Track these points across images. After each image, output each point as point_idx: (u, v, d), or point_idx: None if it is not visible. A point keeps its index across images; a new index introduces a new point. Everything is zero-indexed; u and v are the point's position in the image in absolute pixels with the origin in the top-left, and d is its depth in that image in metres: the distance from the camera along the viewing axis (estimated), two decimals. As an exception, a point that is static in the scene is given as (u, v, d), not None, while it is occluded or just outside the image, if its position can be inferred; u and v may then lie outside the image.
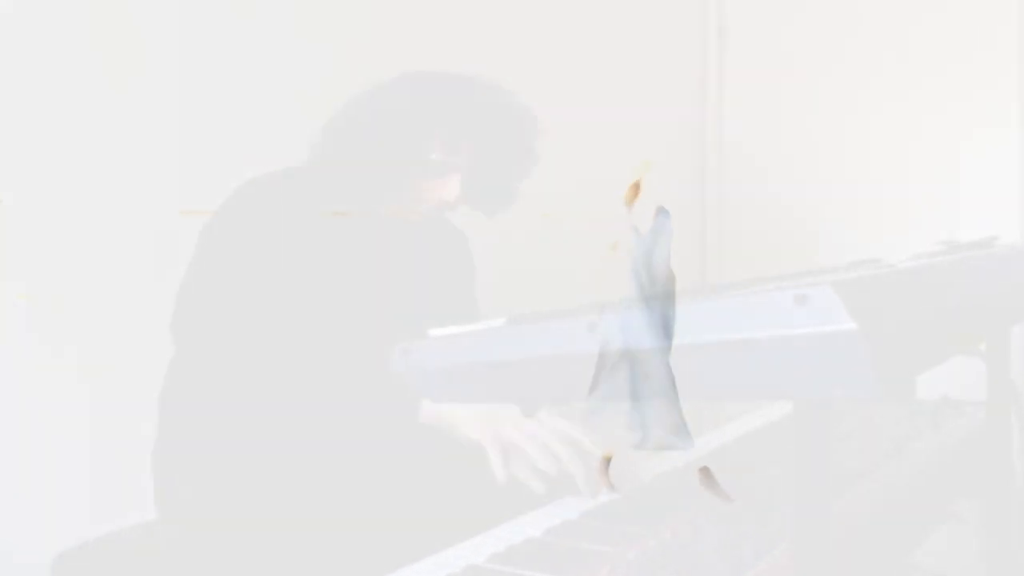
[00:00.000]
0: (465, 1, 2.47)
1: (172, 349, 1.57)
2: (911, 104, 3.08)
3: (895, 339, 0.75)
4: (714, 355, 0.76)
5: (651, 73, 3.14)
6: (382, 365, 1.20)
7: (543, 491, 1.30)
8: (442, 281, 1.70)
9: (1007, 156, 2.95)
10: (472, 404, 1.34)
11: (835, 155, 3.22)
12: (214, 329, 1.52)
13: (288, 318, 1.45)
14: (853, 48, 3.19)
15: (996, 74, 2.96)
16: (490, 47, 2.35)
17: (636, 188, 0.72)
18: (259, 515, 1.46)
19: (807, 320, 0.71)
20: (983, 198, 2.92)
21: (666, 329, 0.72)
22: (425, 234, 1.67)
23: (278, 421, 1.46)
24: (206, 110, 1.93)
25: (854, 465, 1.37)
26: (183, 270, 1.54)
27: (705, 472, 0.76)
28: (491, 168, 1.58)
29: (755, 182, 3.37)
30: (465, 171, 1.56)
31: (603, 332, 0.84)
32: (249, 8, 2.03)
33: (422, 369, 1.08)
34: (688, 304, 0.77)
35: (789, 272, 1.25)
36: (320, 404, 1.43)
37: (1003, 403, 1.52)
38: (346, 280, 1.53)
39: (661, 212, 0.71)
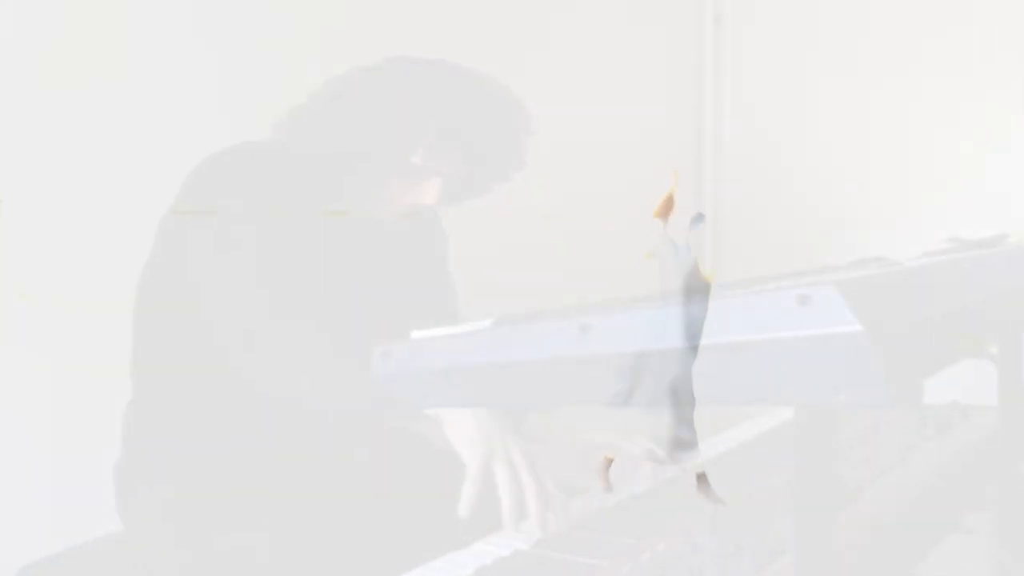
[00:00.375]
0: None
1: (131, 351, 1.56)
2: (918, 95, 3.09)
3: (902, 341, 0.75)
4: (712, 358, 0.76)
5: (644, 65, 3.14)
6: (358, 366, 1.20)
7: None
8: (415, 267, 1.68)
9: (1017, 149, 2.96)
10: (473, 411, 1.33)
11: (838, 148, 3.22)
12: (175, 330, 1.50)
13: (255, 316, 1.43)
14: (857, 37, 3.20)
15: (1007, 63, 2.97)
16: (474, 38, 2.35)
17: (670, 201, 0.73)
18: (227, 525, 1.45)
19: (809, 321, 0.72)
20: (992, 193, 2.93)
21: (693, 333, 0.73)
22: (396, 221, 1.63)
23: (248, 424, 1.45)
24: (207, 110, 1.97)
25: (858, 474, 1.37)
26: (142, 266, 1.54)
27: (702, 478, 0.76)
28: (474, 173, 1.56)
29: (754, 176, 3.37)
30: (446, 175, 1.53)
31: (599, 334, 0.84)
32: (252, 9, 2.06)
33: (403, 373, 1.08)
34: (685, 305, 0.77)
35: (790, 271, 1.25)
36: (293, 406, 1.42)
37: (1015, 408, 1.53)
38: (315, 275, 1.51)
39: (698, 219, 0.72)
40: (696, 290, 0.74)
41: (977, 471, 1.55)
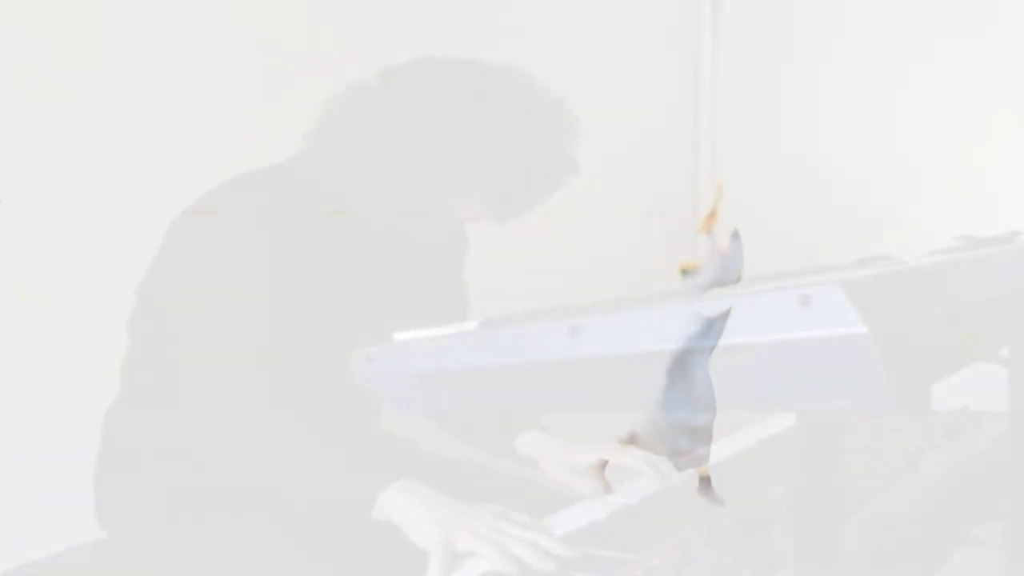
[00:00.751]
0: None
1: (126, 348, 1.57)
2: (924, 86, 3.09)
3: (907, 343, 0.75)
4: (710, 360, 0.76)
5: (638, 55, 3.14)
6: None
7: None
8: (431, 273, 1.67)
9: (1029, 143, 2.97)
10: (426, 507, 1.30)
11: (841, 142, 3.23)
12: (173, 330, 1.49)
13: (260, 324, 1.43)
14: (861, 26, 3.20)
15: (1020, 58, 2.97)
16: (463, 31, 2.36)
17: (713, 215, 0.76)
18: (209, 531, 1.45)
19: (812, 323, 0.72)
20: (1003, 189, 2.93)
21: (714, 339, 0.73)
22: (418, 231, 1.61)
23: (235, 431, 1.45)
24: (208, 109, 2.00)
25: (862, 483, 1.37)
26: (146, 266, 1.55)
27: (705, 481, 0.76)
28: (521, 186, 1.52)
29: (753, 171, 3.37)
30: (491, 190, 1.51)
31: (590, 336, 0.84)
32: (253, 7, 2.08)
33: (387, 377, 1.08)
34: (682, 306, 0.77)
35: (792, 270, 1.25)
36: (280, 415, 1.42)
37: (1026, 414, 1.53)
38: (324, 278, 1.50)
39: (736, 237, 0.74)
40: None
41: (987, 480, 1.55)
